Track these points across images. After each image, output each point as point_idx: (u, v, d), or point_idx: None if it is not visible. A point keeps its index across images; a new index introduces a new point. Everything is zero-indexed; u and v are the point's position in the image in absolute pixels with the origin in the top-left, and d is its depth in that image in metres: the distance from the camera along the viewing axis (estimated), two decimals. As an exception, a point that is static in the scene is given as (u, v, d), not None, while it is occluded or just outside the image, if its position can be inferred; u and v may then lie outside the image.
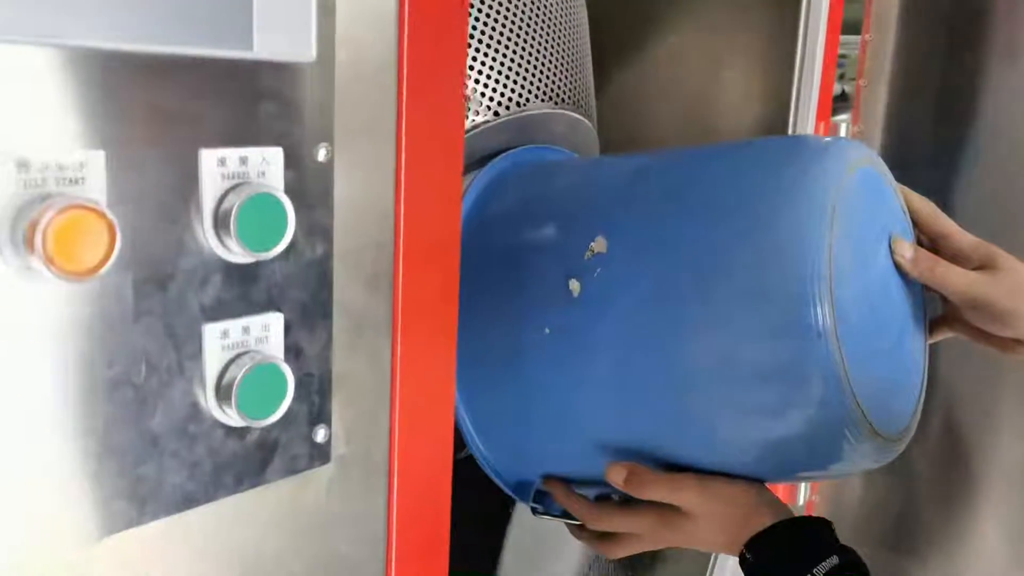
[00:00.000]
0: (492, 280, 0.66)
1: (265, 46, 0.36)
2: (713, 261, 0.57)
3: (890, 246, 0.65)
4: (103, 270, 0.31)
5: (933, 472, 1.02)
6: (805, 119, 0.88)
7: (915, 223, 0.69)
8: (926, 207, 0.70)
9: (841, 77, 1.78)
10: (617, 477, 0.65)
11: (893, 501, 1.04)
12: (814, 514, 1.10)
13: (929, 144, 0.95)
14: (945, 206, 0.88)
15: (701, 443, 0.61)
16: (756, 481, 0.64)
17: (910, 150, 0.97)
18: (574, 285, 0.62)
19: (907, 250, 0.66)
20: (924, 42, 0.96)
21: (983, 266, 0.67)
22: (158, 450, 0.36)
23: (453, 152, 0.45)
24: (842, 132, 0.94)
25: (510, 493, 0.73)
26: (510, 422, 0.69)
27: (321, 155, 0.39)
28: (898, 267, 0.65)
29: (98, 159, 0.32)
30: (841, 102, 1.51)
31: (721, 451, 0.61)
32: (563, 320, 0.62)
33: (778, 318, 0.54)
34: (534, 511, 0.72)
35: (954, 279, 0.66)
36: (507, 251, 0.67)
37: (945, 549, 1.03)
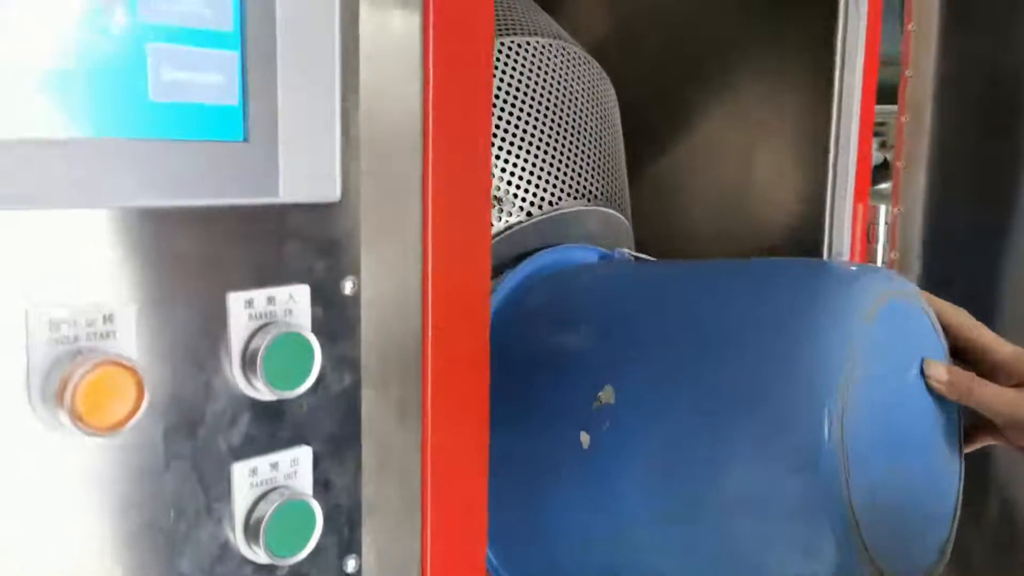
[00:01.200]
0: (507, 410, 0.66)
1: (291, 190, 0.37)
2: (726, 403, 0.55)
3: (922, 370, 0.62)
4: (130, 424, 0.32)
5: (990, 559, 0.98)
6: (842, 203, 0.87)
7: (949, 336, 0.66)
8: (960, 318, 0.67)
9: (883, 145, 1.76)
10: None
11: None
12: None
13: (972, 220, 0.94)
14: (992, 284, 0.86)
15: None
16: None
17: (952, 229, 0.95)
18: (584, 438, 0.61)
19: (942, 373, 0.63)
20: (961, 124, 0.95)
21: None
22: (187, 592, 0.36)
23: (480, 278, 0.46)
24: (881, 214, 0.93)
25: None
26: (530, 549, 0.68)
27: (348, 288, 0.40)
28: (932, 391, 0.62)
29: (128, 312, 0.33)
30: (883, 170, 1.49)
31: None
32: (575, 471, 0.62)
33: (787, 459, 0.52)
34: None
35: (991, 399, 0.63)
36: (519, 386, 0.66)
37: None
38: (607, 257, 0.77)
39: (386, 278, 0.42)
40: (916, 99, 0.94)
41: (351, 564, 0.42)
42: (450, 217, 0.44)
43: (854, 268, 0.61)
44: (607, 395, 0.60)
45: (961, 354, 0.67)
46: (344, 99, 0.38)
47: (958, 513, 0.63)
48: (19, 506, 0.31)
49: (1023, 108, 0.91)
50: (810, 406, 0.52)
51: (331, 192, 0.38)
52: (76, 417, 0.30)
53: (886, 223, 0.93)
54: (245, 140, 0.35)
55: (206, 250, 0.35)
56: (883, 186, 1.29)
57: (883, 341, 0.56)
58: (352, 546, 0.42)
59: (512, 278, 0.71)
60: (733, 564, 0.57)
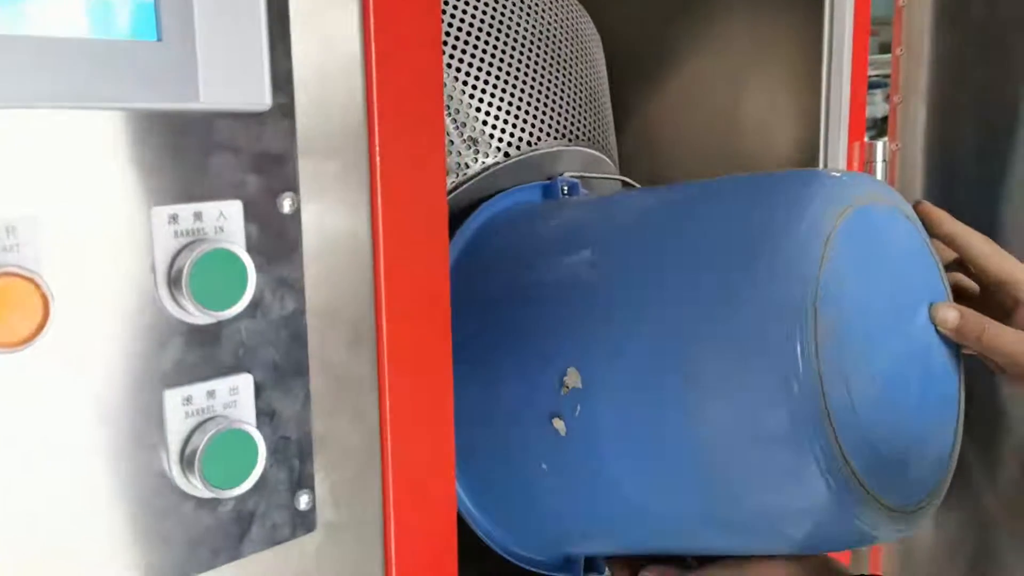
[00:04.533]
0: (474, 379, 0.61)
1: (213, 95, 0.34)
2: (697, 339, 0.52)
3: (930, 314, 0.59)
4: (37, 340, 0.29)
5: (1009, 516, 0.95)
6: (836, 140, 0.84)
7: (975, 266, 0.64)
8: (985, 248, 0.64)
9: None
10: None
11: (966, 542, 0.97)
12: (880, 557, 1.03)
13: (974, 157, 0.90)
14: (994, 220, 0.83)
15: (721, 528, 0.57)
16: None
17: (954, 165, 0.92)
18: (559, 424, 0.58)
19: (951, 318, 0.59)
20: (960, 52, 0.91)
21: None
22: (122, 526, 0.34)
23: (435, 195, 0.43)
24: (879, 151, 0.89)
25: (554, 573, 0.70)
26: (532, 524, 0.66)
27: (286, 206, 0.37)
28: (941, 336, 0.59)
29: (31, 223, 0.30)
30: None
31: (739, 533, 0.57)
32: (556, 458, 0.59)
33: (764, 392, 0.49)
34: None
35: (1003, 346, 0.59)
36: (484, 356, 0.62)
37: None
38: (551, 190, 0.72)
39: (330, 196, 0.39)
40: (912, 30, 0.91)
41: (303, 500, 0.39)
42: (399, 131, 0.41)
43: (815, 174, 0.56)
44: (572, 379, 0.57)
45: (984, 286, 0.64)
46: (270, -2, 0.35)
47: (959, 440, 0.60)
48: (-79, 433, 0.29)
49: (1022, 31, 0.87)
50: (779, 326, 0.48)
51: (260, 99, 0.36)
52: (-28, 331, 0.28)
53: (884, 160, 0.89)
54: (159, 39, 0.32)
55: (123, 161, 0.33)
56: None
57: (857, 250, 0.52)
58: (304, 481, 0.39)
59: (460, 237, 0.68)
60: (728, 503, 0.55)
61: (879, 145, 0.89)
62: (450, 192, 0.68)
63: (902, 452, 0.55)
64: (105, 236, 0.32)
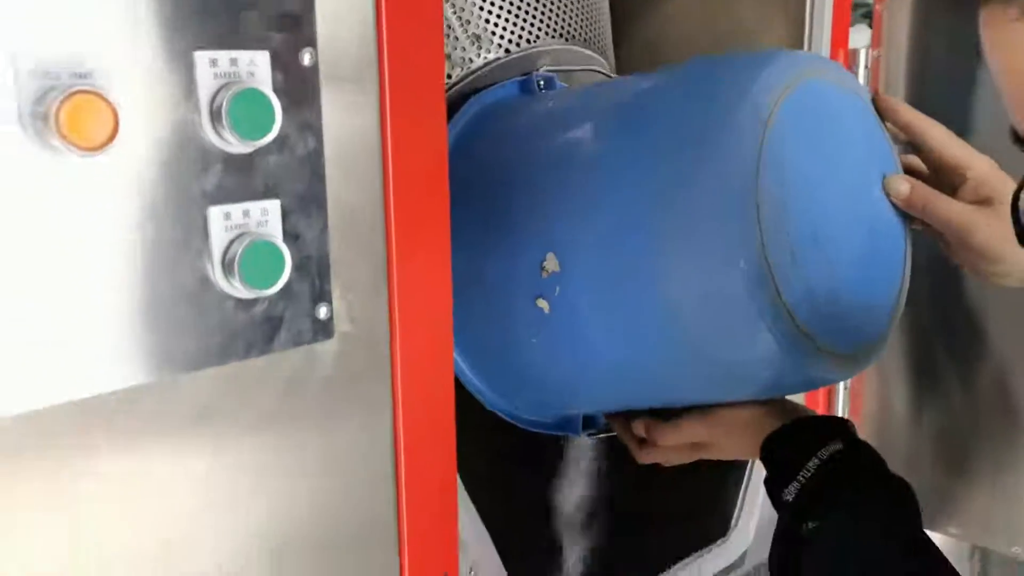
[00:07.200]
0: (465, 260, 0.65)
1: (245, -42, 0.41)
2: (659, 214, 0.58)
3: (884, 185, 0.64)
4: (110, 147, 0.37)
5: (981, 419, 1.01)
6: (819, 47, 0.89)
7: (931, 152, 0.67)
8: (942, 135, 0.67)
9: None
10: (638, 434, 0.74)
11: (939, 426, 1.04)
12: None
13: (952, 58, 0.94)
14: (974, 123, 0.88)
15: (691, 380, 0.64)
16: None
17: (935, 68, 0.96)
18: (542, 304, 0.64)
19: (904, 188, 0.64)
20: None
21: (989, 198, 0.64)
22: (174, 314, 0.42)
23: (435, 61, 0.50)
24: (861, 58, 0.95)
25: (556, 432, 0.78)
26: (529, 391, 0.73)
27: (306, 59, 0.44)
28: (892, 206, 0.65)
29: (102, 56, 0.38)
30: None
31: (707, 385, 0.64)
32: (544, 332, 0.66)
33: (715, 258, 0.56)
34: (589, 435, 0.78)
35: (946, 215, 0.64)
36: (477, 246, 0.68)
37: (998, 467, 1.02)
38: (527, 84, 0.78)
39: (343, 50, 0.46)
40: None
41: (323, 311, 0.47)
42: (404, 14, 0.48)
43: (760, 55, 0.60)
44: (551, 263, 0.64)
45: (938, 169, 0.68)
46: None
47: (903, 297, 0.67)
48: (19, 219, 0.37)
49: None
50: (723, 199, 0.55)
51: (283, -36, 0.43)
52: (62, 136, 0.36)
53: (867, 67, 0.94)
54: (200, -91, 0.39)
55: (170, 10, 0.40)
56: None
57: (805, 122, 0.58)
58: (323, 295, 0.47)
59: (451, 129, 0.73)
60: (694, 359, 0.62)
61: (861, 52, 0.94)
62: (455, 84, 0.75)
63: (846, 306, 0.62)
64: (160, 72, 0.40)
